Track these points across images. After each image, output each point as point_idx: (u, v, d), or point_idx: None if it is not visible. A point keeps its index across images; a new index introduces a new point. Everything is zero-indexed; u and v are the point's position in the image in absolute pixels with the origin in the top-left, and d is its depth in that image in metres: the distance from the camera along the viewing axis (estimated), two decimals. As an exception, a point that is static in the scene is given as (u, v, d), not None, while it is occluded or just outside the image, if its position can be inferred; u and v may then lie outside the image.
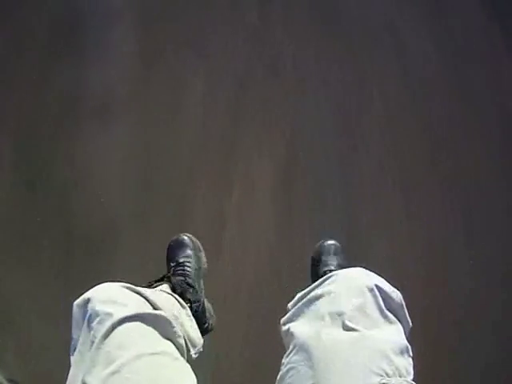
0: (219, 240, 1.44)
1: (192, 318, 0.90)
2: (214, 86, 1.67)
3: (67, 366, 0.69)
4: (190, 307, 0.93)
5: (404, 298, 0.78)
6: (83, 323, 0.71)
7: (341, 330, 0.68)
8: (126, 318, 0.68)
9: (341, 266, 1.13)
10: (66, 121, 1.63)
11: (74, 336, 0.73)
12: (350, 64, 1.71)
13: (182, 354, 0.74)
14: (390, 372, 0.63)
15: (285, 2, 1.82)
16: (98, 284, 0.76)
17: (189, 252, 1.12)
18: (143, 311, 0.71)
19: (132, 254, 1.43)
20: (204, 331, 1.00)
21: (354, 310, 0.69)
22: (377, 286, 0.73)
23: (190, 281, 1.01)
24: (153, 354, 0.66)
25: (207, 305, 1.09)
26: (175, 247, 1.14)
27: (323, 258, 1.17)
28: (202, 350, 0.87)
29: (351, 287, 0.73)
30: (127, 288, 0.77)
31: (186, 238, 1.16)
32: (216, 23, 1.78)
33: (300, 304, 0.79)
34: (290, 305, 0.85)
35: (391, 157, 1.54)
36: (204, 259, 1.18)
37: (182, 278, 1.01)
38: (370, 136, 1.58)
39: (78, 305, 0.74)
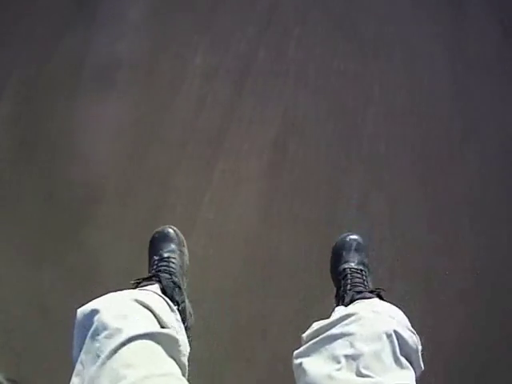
0: (195, 217, 1.45)
1: (181, 323, 0.90)
2: (215, 65, 1.70)
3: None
4: (178, 309, 0.92)
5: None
6: (88, 333, 0.69)
7: (354, 374, 0.69)
8: (136, 336, 0.67)
9: (361, 263, 1.13)
10: (66, 84, 1.68)
11: (77, 345, 0.72)
12: (354, 59, 1.71)
13: (184, 374, 0.75)
14: None
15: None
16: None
17: (173, 247, 1.12)
18: (153, 330, 0.71)
19: (109, 225, 1.45)
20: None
21: (369, 356, 0.69)
22: (395, 332, 0.73)
23: (175, 279, 1.01)
24: (159, 375, 0.66)
25: (187, 303, 1.08)
26: (160, 240, 1.13)
27: (344, 253, 1.15)
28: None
29: (370, 332, 0.73)
30: (136, 301, 0.75)
31: (171, 231, 1.15)
32: (228, 8, 1.81)
33: (316, 340, 0.78)
34: (304, 335, 0.84)
35: (381, 162, 1.55)
36: (187, 254, 1.17)
37: (168, 276, 1.00)
38: (363, 136, 1.59)
39: (83, 313, 0.72)
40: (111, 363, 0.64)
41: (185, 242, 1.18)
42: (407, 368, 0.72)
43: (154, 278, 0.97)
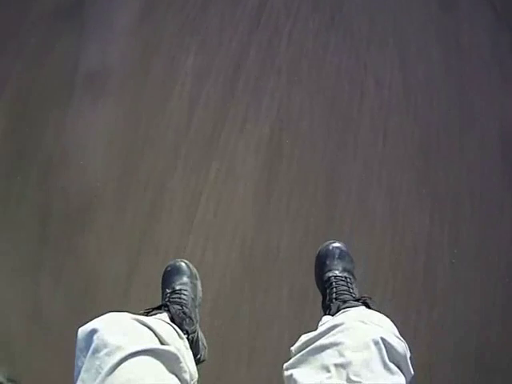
0: (192, 218, 1.45)
1: (189, 350, 0.91)
2: (207, 66, 1.69)
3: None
4: (187, 338, 0.93)
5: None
6: (88, 351, 0.70)
7: (345, 382, 0.69)
8: (136, 352, 0.68)
9: (346, 271, 1.13)
10: (59, 93, 1.68)
11: (78, 363, 0.72)
12: (347, 53, 1.70)
13: None
14: None
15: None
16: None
17: (185, 279, 1.13)
18: (152, 346, 0.71)
19: (106, 232, 1.45)
20: (196, 362, 0.99)
21: (358, 364, 0.70)
22: (382, 338, 0.74)
23: (186, 310, 1.02)
24: None
25: (200, 335, 1.10)
26: (172, 273, 1.14)
27: (328, 261, 1.17)
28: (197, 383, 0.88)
29: (357, 341, 0.74)
30: (136, 320, 0.76)
31: (183, 264, 1.17)
32: (218, 7, 1.79)
33: (305, 351, 0.79)
34: (293, 348, 0.85)
35: (379, 155, 1.53)
36: (200, 288, 1.18)
37: (179, 307, 1.01)
38: (359, 129, 1.57)
39: (83, 332, 0.73)
40: (111, 379, 0.65)
41: (198, 275, 1.19)
42: (397, 373, 0.73)
43: (163, 308, 0.98)
